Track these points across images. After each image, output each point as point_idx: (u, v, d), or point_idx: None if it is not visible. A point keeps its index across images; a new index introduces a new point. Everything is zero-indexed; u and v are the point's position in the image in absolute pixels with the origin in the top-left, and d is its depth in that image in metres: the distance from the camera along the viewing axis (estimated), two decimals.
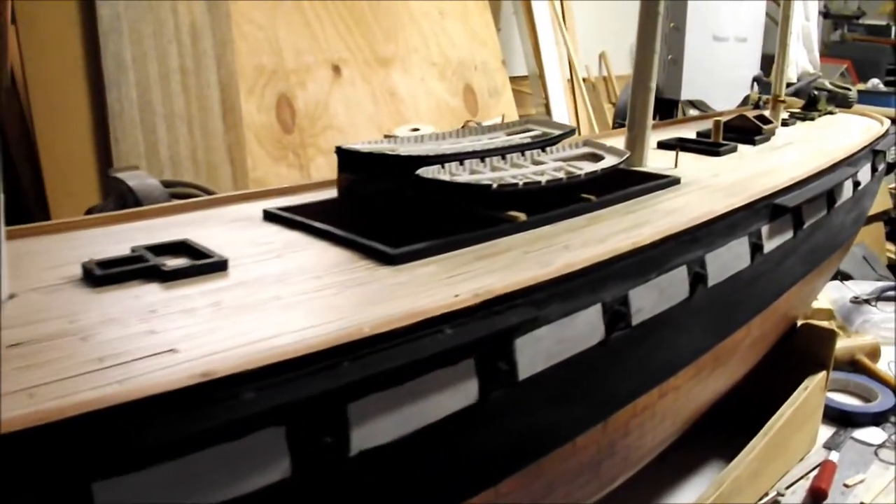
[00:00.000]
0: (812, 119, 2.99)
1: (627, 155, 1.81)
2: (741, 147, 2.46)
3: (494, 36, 5.63)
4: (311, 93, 4.51)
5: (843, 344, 2.68)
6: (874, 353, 2.70)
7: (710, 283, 1.58)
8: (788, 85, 3.12)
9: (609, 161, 1.77)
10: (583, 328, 1.26)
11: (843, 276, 3.36)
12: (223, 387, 0.86)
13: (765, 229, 1.81)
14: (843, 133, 2.79)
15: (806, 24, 3.35)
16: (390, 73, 5.00)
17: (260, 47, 4.26)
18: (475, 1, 5.50)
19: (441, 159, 1.57)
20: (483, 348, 1.10)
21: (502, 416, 1.17)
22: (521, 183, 1.51)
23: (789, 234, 1.94)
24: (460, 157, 1.62)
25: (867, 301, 2.98)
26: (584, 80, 6.29)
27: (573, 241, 1.44)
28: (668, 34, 3.54)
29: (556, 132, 1.90)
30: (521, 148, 1.74)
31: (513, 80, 5.97)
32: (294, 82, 4.42)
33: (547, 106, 5.85)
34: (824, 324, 2.30)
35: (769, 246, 1.82)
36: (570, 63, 5.90)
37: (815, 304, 3.15)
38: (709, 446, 2.24)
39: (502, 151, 1.70)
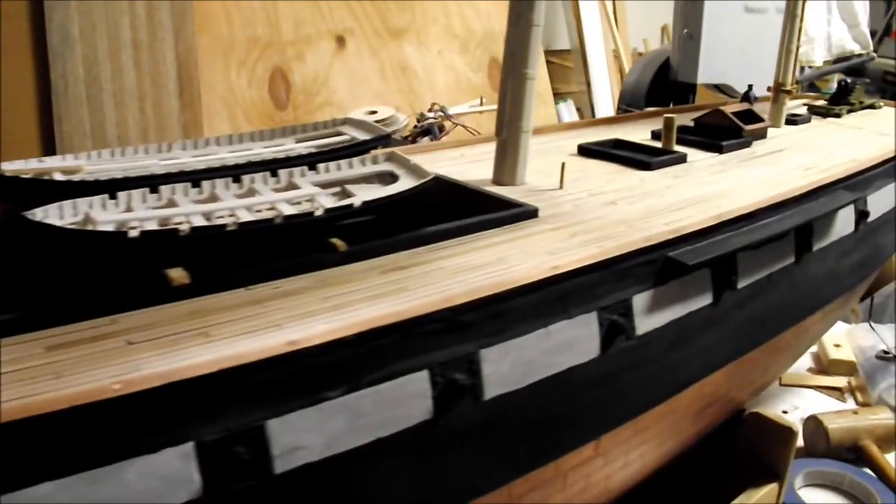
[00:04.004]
0: (838, 115, 2.23)
1: (428, 178, 1.25)
2: (698, 156, 1.81)
3: None
4: (310, 66, 4.21)
5: (846, 422, 1.99)
6: (889, 439, 1.96)
7: (492, 392, 1.03)
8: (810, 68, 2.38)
9: (399, 186, 1.23)
10: (141, 485, 0.77)
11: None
12: None
13: (639, 299, 1.21)
14: (869, 138, 2.05)
15: None
16: (402, 45, 4.59)
17: (255, 17, 4.01)
18: None
19: (113, 186, 1.10)
20: None
21: None
22: (188, 226, 1.02)
23: (705, 301, 1.33)
24: (155, 183, 1.13)
25: None
26: (640, 54, 5.56)
27: (227, 326, 0.93)
28: (683, 4, 2.83)
29: (366, 137, 1.37)
30: (268, 166, 1.23)
31: (556, 53, 5.46)
32: (291, 55, 4.13)
33: (588, 83, 5.23)
34: (782, 417, 1.60)
35: (648, 324, 1.23)
36: (613, 37, 5.20)
37: (835, 355, 2.43)
38: None
39: (235, 171, 1.20)
